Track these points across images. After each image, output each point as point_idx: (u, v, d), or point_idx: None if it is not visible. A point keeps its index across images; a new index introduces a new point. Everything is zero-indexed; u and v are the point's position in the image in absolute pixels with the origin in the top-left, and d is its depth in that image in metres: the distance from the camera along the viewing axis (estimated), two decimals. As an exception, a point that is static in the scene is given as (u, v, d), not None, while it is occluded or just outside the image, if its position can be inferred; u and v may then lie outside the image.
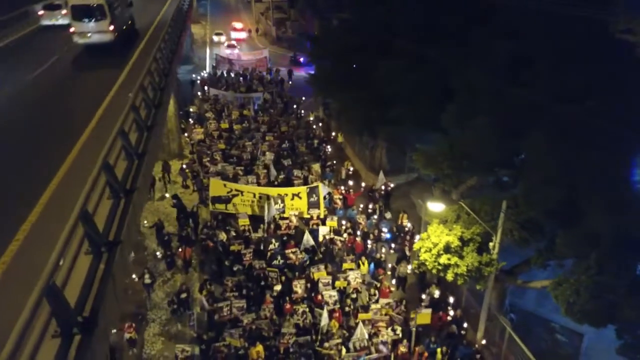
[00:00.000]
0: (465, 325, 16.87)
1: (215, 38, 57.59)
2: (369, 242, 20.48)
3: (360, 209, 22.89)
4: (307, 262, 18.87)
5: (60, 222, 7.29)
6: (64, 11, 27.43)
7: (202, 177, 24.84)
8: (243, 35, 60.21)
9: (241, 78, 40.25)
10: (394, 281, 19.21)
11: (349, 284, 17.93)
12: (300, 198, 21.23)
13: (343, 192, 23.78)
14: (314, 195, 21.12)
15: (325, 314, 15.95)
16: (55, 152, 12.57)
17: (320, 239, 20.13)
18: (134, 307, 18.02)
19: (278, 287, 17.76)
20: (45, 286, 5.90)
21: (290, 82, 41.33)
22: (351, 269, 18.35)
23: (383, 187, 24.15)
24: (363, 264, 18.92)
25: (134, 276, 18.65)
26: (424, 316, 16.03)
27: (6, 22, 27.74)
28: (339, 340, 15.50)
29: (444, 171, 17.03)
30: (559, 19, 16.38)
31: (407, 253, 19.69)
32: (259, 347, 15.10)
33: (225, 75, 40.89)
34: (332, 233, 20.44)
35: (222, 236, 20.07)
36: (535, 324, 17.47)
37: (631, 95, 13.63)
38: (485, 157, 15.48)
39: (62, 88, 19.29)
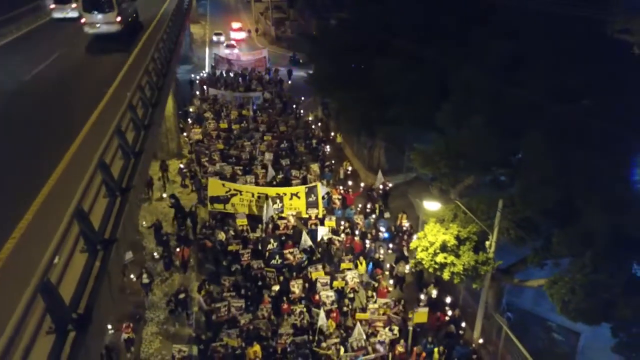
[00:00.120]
0: (463, 325, 16.91)
1: (215, 38, 57.66)
2: (367, 241, 20.52)
3: (358, 209, 22.93)
4: (306, 262, 18.89)
5: (57, 220, 7.33)
6: (74, 5, 29.27)
7: (200, 177, 24.89)
8: (242, 35, 60.28)
9: (240, 78, 40.31)
10: (391, 281, 19.23)
11: (346, 284, 17.95)
12: (298, 198, 21.24)
13: (342, 192, 23.82)
14: (313, 195, 21.14)
15: (322, 314, 15.97)
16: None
17: (319, 239, 20.17)
18: (131, 307, 18.02)
19: (276, 287, 17.78)
20: (40, 283, 5.94)
21: (289, 82, 41.37)
22: (349, 269, 18.36)
23: (381, 187, 24.19)
24: (361, 263, 18.94)
25: (132, 276, 18.70)
26: (421, 315, 16.08)
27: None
28: (337, 340, 15.51)
29: (441, 170, 17.09)
30: (558, 19, 16.46)
31: (405, 253, 19.74)
32: (256, 347, 15.10)
33: (225, 75, 40.94)
34: (330, 233, 20.48)
35: (221, 236, 20.10)
36: (533, 323, 17.51)
37: (628, 94, 13.70)
38: (481, 157, 15.55)
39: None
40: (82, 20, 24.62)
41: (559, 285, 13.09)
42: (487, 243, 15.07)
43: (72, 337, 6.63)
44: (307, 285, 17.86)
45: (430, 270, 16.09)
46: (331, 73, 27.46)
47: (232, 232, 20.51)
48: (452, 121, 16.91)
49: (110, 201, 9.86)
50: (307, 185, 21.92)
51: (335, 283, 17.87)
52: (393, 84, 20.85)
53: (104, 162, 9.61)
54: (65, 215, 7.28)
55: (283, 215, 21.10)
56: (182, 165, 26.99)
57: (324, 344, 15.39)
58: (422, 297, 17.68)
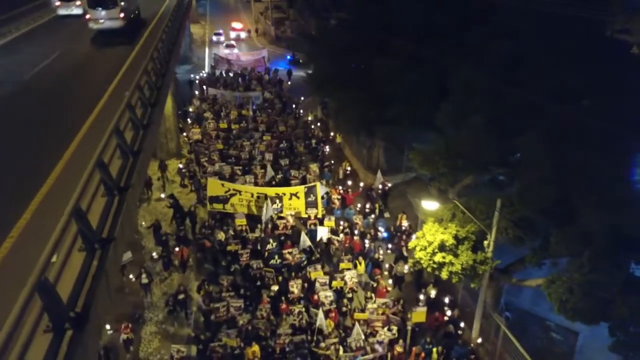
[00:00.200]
0: (462, 325, 16.92)
1: (215, 38, 57.69)
2: (367, 241, 20.53)
3: (357, 209, 22.94)
4: (305, 262, 18.89)
5: (56, 219, 7.35)
6: (78, 2, 30.72)
7: (199, 177, 24.90)
8: (242, 35, 60.30)
9: (239, 78, 40.32)
10: (390, 281, 19.24)
11: (345, 284, 17.95)
12: (298, 198, 21.24)
13: (341, 192, 23.82)
14: (312, 195, 21.14)
15: (321, 314, 15.97)
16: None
17: (319, 239, 20.17)
18: (130, 307, 18.02)
19: (275, 287, 17.79)
20: (37, 281, 5.96)
21: (289, 82, 41.39)
22: (348, 269, 18.37)
23: (380, 187, 24.21)
24: (360, 264, 18.94)
25: (131, 276, 18.71)
26: (419, 314, 16.11)
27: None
28: (335, 340, 15.51)
29: (439, 170, 17.09)
30: (558, 19, 16.49)
31: (404, 253, 19.75)
32: (255, 347, 15.10)
33: (224, 75, 40.95)
34: (329, 233, 20.49)
35: (221, 236, 20.11)
36: (531, 323, 17.50)
37: (628, 94, 13.71)
38: (480, 156, 15.56)
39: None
40: (87, 16, 25.94)
41: (556, 285, 13.11)
42: (486, 242, 15.10)
43: (70, 335, 6.65)
44: (306, 285, 17.87)
45: (429, 269, 16.11)
46: (330, 73, 27.46)
47: (231, 232, 20.52)
48: (451, 121, 16.91)
49: (108, 200, 9.88)
50: (306, 185, 21.92)
51: (334, 283, 17.87)
52: (392, 84, 20.84)
53: (102, 161, 9.63)
54: (64, 214, 7.31)
55: (282, 215, 21.12)
56: (181, 165, 27.00)
57: (322, 344, 15.39)
58: (421, 297, 17.70)
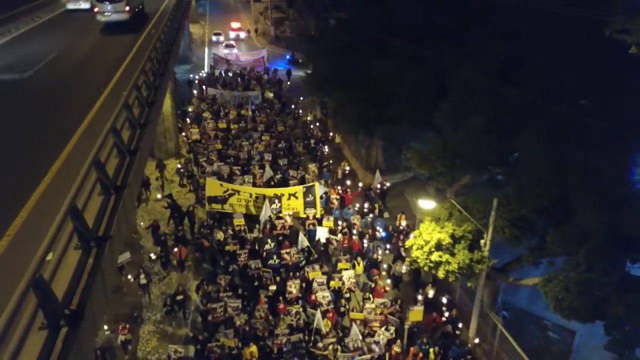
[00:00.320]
0: (460, 325, 16.93)
1: (214, 38, 57.71)
2: (365, 241, 20.54)
3: (356, 209, 22.95)
4: (303, 262, 18.90)
5: (52, 218, 7.37)
6: None
7: (198, 177, 24.92)
8: (242, 35, 60.34)
9: (239, 78, 40.35)
10: (388, 281, 19.25)
11: (343, 284, 17.96)
12: (296, 198, 21.24)
13: (340, 192, 23.84)
14: (310, 195, 21.14)
15: (318, 315, 15.97)
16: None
17: (318, 239, 20.17)
18: (128, 308, 18.03)
19: (273, 287, 17.80)
20: (32, 278, 5.98)
21: (288, 82, 41.43)
22: (346, 269, 18.36)
23: (379, 186, 24.22)
24: (358, 264, 18.94)
25: (129, 276, 18.71)
26: (416, 313, 16.11)
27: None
28: (333, 340, 15.51)
29: (437, 170, 17.13)
30: (557, 19, 16.52)
31: (403, 252, 19.76)
32: (253, 348, 15.11)
33: (223, 75, 40.98)
34: (328, 233, 20.50)
35: (220, 235, 20.13)
36: (528, 322, 17.54)
37: (627, 94, 13.74)
38: (477, 156, 15.59)
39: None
40: (95, 10, 27.74)
41: (553, 284, 13.11)
42: (482, 242, 15.10)
43: (64, 332, 6.66)
44: (304, 285, 17.88)
45: (425, 268, 16.11)
46: (330, 73, 27.47)
47: (230, 232, 20.53)
48: (450, 121, 16.93)
49: (104, 199, 9.91)
50: (304, 185, 21.91)
51: (332, 283, 17.86)
52: (392, 83, 20.85)
53: (99, 160, 9.65)
54: (59, 213, 7.33)
55: (281, 215, 21.13)
56: (179, 165, 27.01)
57: (320, 344, 15.39)
58: (419, 297, 17.71)
